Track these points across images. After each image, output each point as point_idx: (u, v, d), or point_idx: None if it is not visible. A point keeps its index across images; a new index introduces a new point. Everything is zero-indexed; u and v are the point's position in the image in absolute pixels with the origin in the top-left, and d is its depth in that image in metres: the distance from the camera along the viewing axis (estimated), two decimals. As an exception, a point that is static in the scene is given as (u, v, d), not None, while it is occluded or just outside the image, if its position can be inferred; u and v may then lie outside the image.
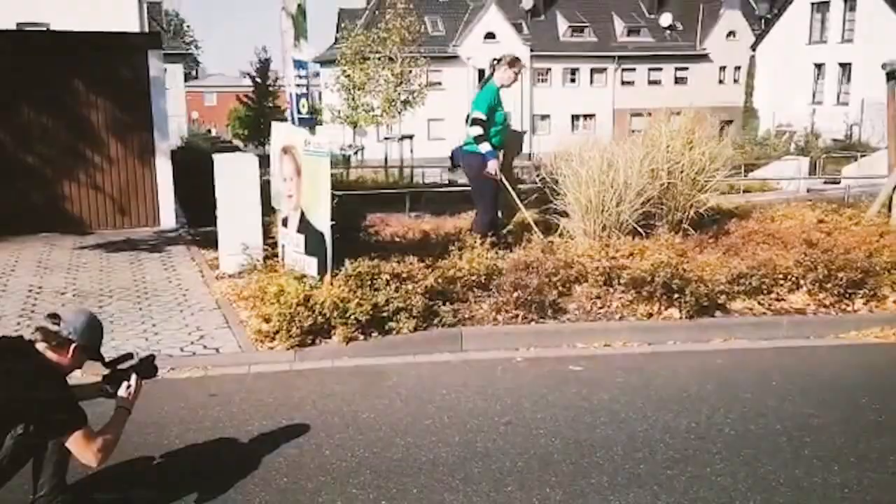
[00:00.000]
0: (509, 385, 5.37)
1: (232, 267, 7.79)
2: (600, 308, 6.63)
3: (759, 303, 6.66)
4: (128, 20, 26.77)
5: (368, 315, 6.03)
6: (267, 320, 6.09)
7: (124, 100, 10.60)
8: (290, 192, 6.60)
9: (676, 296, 6.40)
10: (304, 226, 6.41)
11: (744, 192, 22.46)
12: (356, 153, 34.42)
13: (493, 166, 7.61)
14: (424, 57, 30.36)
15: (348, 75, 29.79)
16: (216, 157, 8.12)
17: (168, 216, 10.95)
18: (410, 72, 29.58)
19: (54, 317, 3.44)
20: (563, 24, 54.44)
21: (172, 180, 10.97)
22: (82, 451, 3.31)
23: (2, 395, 3.19)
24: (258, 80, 43.70)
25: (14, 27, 19.45)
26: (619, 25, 55.19)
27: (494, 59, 8.06)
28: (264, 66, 45.22)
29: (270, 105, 45.12)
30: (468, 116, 7.75)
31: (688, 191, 8.23)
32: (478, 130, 7.62)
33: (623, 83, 54.92)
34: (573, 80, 54.45)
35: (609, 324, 6.38)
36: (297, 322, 5.92)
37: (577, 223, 7.87)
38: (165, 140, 11.00)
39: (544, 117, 53.27)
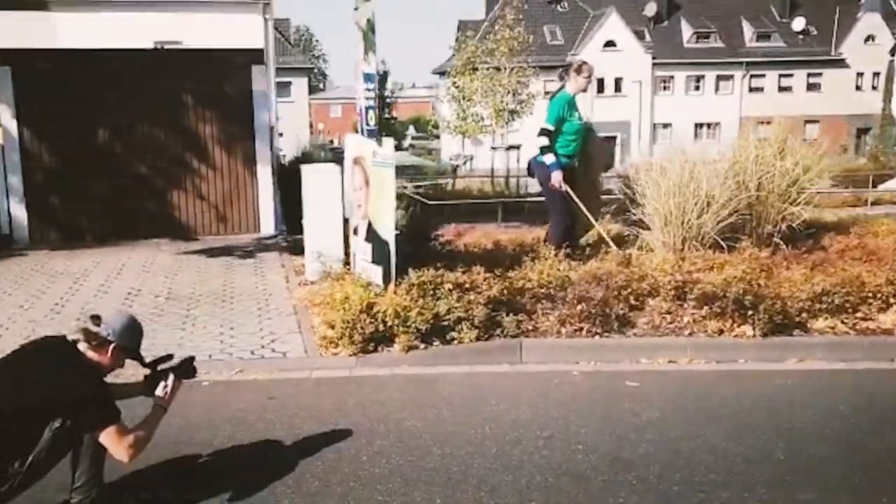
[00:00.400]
0: (561, 398, 5.31)
1: (314, 274, 8.02)
2: (670, 323, 6.45)
3: (842, 322, 6.31)
4: (254, 36, 28.01)
5: (429, 324, 6.10)
6: (332, 326, 6.26)
7: (229, 112, 11.12)
8: (360, 201, 6.77)
9: (750, 312, 6.15)
10: (371, 235, 6.55)
11: (872, 203, 21.30)
12: (465, 163, 34.66)
13: (556, 178, 7.58)
14: (532, 67, 30.35)
15: (458, 86, 30.16)
16: (303, 167, 8.40)
17: (267, 223, 11.39)
18: (518, 82, 29.60)
19: (96, 318, 3.66)
20: (687, 31, 53.12)
21: (276, 189, 11.42)
22: (115, 446, 3.51)
23: (41, 390, 3.43)
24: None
25: (152, 45, 20.84)
26: (748, 31, 53.36)
27: (562, 69, 8.01)
28: (382, 78, 46.39)
29: (386, 116, 46.14)
30: None
31: (779, 203, 7.90)
32: (543, 141, 7.61)
33: (751, 90, 53.06)
34: (697, 88, 53.01)
35: (676, 339, 6.20)
36: (358, 329, 6.06)
37: (657, 235, 7.68)
38: (267, 150, 11.45)
39: (665, 126, 52.09)
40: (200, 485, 4.11)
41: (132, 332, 3.73)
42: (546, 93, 38.05)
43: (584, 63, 7.96)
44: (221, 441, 4.66)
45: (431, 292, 6.31)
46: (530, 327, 6.42)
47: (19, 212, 10.73)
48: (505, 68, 28.78)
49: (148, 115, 10.89)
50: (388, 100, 47.69)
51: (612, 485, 4.05)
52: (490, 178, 28.38)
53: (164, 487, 4.08)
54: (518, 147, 29.29)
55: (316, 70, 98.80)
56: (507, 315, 6.38)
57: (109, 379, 3.75)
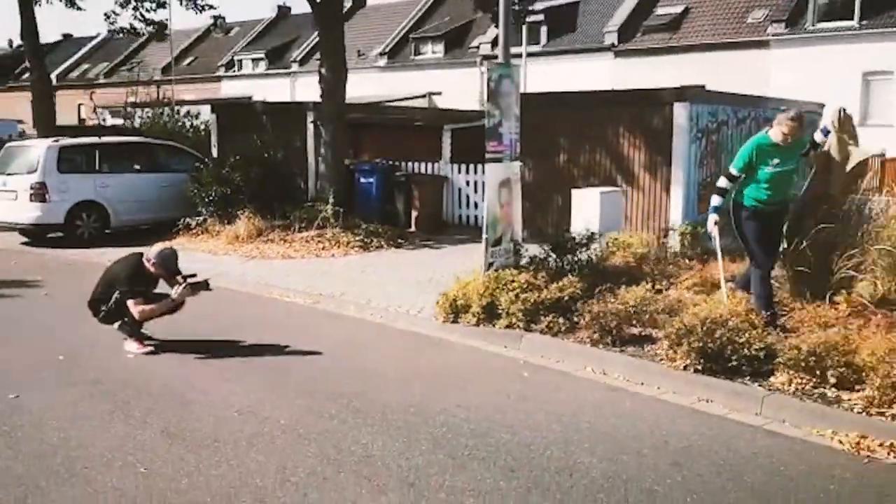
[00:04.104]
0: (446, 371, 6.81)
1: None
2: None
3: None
4: None
5: (482, 308, 7.82)
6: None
7: (652, 142, 12.69)
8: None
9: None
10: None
11: None
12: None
13: (708, 222, 7.43)
14: None
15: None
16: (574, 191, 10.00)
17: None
18: None
19: (150, 247, 7.16)
20: None
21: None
22: (132, 309, 7.00)
23: (112, 275, 7.17)
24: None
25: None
26: None
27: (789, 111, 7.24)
28: None
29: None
30: None
31: None
32: (719, 182, 7.51)
33: None
34: None
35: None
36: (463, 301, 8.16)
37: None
38: (681, 174, 12.52)
39: None
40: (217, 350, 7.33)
41: (163, 258, 7.13)
42: None
43: (795, 115, 7.11)
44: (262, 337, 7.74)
45: (500, 287, 7.90)
46: (565, 328, 7.39)
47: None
48: None
49: (593, 140, 13.28)
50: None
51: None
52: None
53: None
54: None
55: None
56: (548, 315, 7.45)
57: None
